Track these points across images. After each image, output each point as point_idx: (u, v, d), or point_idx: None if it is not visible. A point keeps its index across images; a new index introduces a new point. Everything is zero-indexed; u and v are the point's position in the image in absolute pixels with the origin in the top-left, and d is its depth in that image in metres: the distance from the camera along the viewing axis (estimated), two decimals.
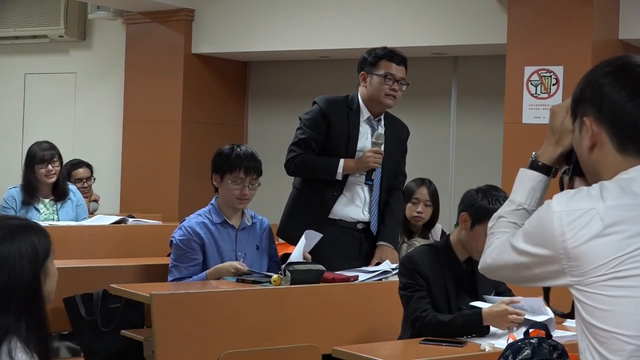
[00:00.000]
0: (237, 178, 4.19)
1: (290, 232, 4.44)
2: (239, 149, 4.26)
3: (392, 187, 4.57)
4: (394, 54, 4.45)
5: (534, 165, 1.98)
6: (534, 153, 2.01)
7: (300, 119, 4.46)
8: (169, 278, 4.18)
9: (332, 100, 4.46)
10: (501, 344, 3.18)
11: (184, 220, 4.28)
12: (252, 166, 4.22)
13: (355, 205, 4.41)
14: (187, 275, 4.15)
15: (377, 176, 4.43)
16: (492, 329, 3.40)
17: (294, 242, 4.45)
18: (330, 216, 4.40)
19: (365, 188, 4.42)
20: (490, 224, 1.98)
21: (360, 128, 4.41)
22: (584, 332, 1.72)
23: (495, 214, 1.99)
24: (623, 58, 1.84)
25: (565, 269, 1.71)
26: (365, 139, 4.41)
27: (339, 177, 4.35)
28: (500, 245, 1.87)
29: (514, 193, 1.99)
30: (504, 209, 1.98)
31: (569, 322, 3.54)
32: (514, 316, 3.32)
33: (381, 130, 4.45)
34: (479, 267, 1.95)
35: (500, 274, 1.92)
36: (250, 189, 4.23)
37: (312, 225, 4.31)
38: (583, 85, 1.84)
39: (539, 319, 3.32)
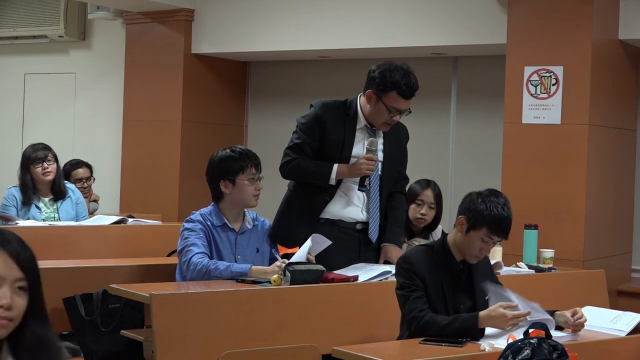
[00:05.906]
0: (251, 174, 4.23)
1: (280, 233, 4.42)
2: (239, 148, 4.29)
3: (395, 191, 4.55)
4: (407, 88, 4.20)
5: None
6: None
7: (297, 122, 4.44)
8: (188, 255, 4.05)
9: (328, 105, 4.39)
10: (501, 344, 3.18)
11: (191, 215, 4.25)
12: (258, 161, 4.30)
13: (354, 206, 4.39)
14: (206, 253, 4.09)
15: (374, 183, 4.38)
16: (487, 330, 3.39)
17: (283, 244, 4.46)
18: (329, 217, 4.38)
19: (360, 194, 4.40)
20: None
21: (356, 134, 4.35)
22: None
23: None
24: None
25: None
26: (362, 145, 4.35)
27: (332, 182, 4.32)
28: None
29: None
30: None
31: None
32: (514, 319, 3.33)
33: (379, 137, 4.39)
34: None
35: None
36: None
37: (300, 227, 4.31)
38: None
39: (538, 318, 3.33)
